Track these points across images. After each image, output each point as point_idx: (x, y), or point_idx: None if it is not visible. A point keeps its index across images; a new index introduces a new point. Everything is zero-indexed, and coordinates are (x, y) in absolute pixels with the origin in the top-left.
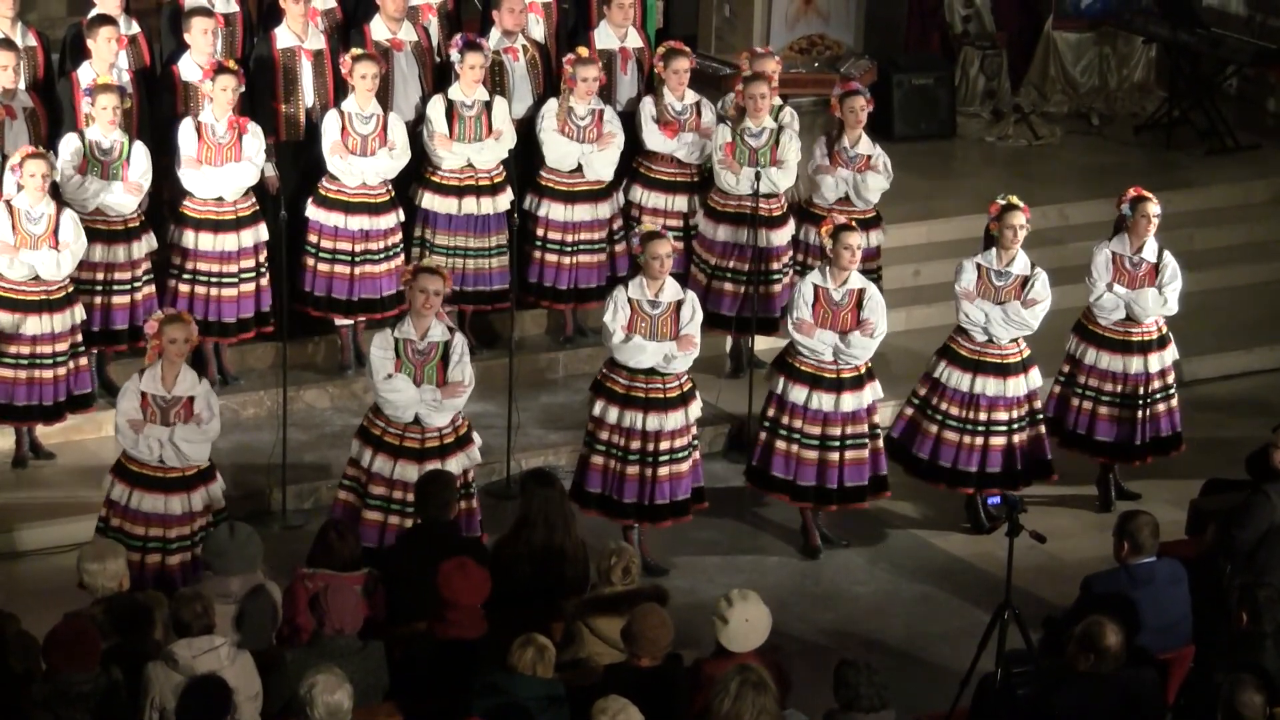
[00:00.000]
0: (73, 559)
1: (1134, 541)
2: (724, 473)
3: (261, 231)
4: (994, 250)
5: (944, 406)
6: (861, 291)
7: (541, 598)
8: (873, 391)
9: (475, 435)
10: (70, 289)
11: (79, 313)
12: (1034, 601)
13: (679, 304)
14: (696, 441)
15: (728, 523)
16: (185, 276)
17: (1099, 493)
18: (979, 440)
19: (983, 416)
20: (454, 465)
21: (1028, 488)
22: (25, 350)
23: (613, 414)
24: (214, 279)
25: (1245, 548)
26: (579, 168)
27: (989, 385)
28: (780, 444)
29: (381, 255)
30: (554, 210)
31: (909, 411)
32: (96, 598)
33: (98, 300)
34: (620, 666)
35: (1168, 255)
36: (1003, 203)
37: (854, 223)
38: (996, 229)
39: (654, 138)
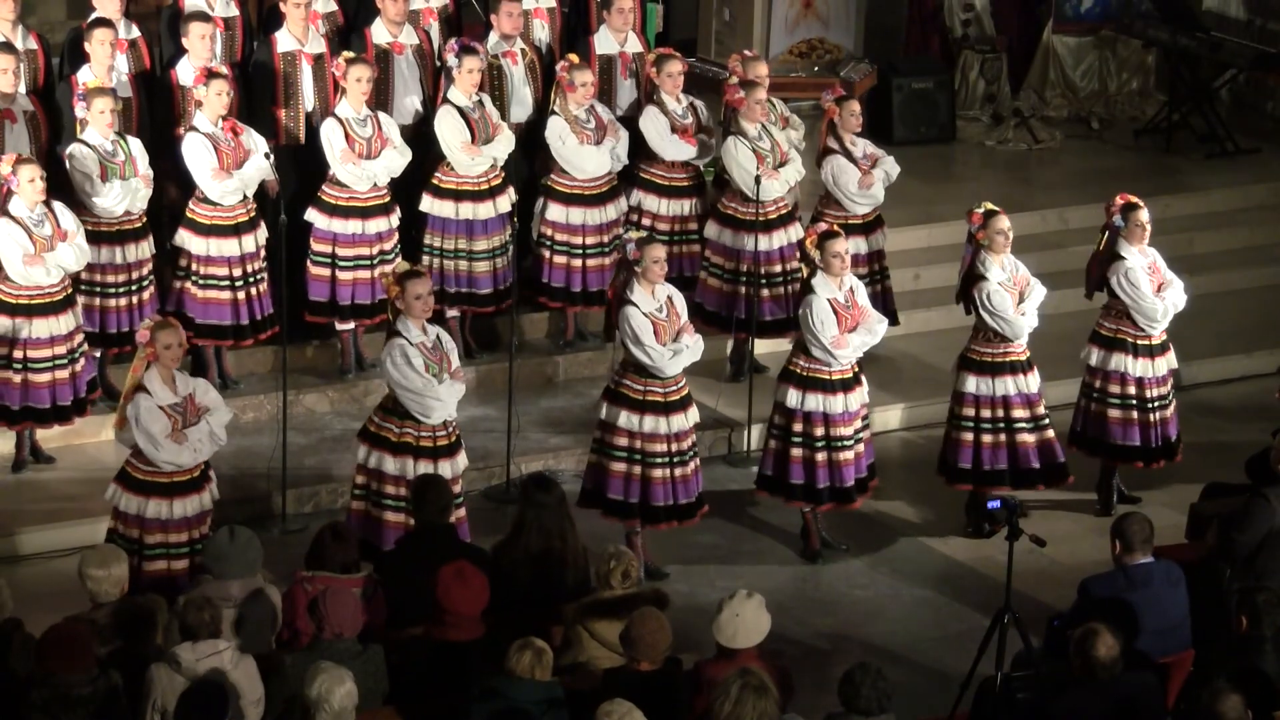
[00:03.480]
0: (73, 563)
1: (1125, 540)
2: (724, 477)
3: (263, 235)
4: (988, 260)
5: (998, 414)
6: (852, 288)
7: (541, 603)
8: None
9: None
10: (69, 291)
11: (79, 315)
12: (1034, 606)
13: (670, 299)
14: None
15: (728, 526)
16: (198, 281)
17: (1099, 497)
18: (1033, 437)
19: (1028, 413)
20: (447, 469)
21: (1035, 490)
22: (26, 354)
23: (663, 424)
24: (218, 283)
25: (1245, 551)
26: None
27: (1019, 383)
28: (824, 455)
29: (393, 254)
30: (590, 215)
31: (972, 436)
32: (98, 603)
33: (100, 302)
34: (619, 670)
35: (1153, 250)
36: (982, 211)
37: (839, 228)
38: (985, 237)
39: (677, 149)
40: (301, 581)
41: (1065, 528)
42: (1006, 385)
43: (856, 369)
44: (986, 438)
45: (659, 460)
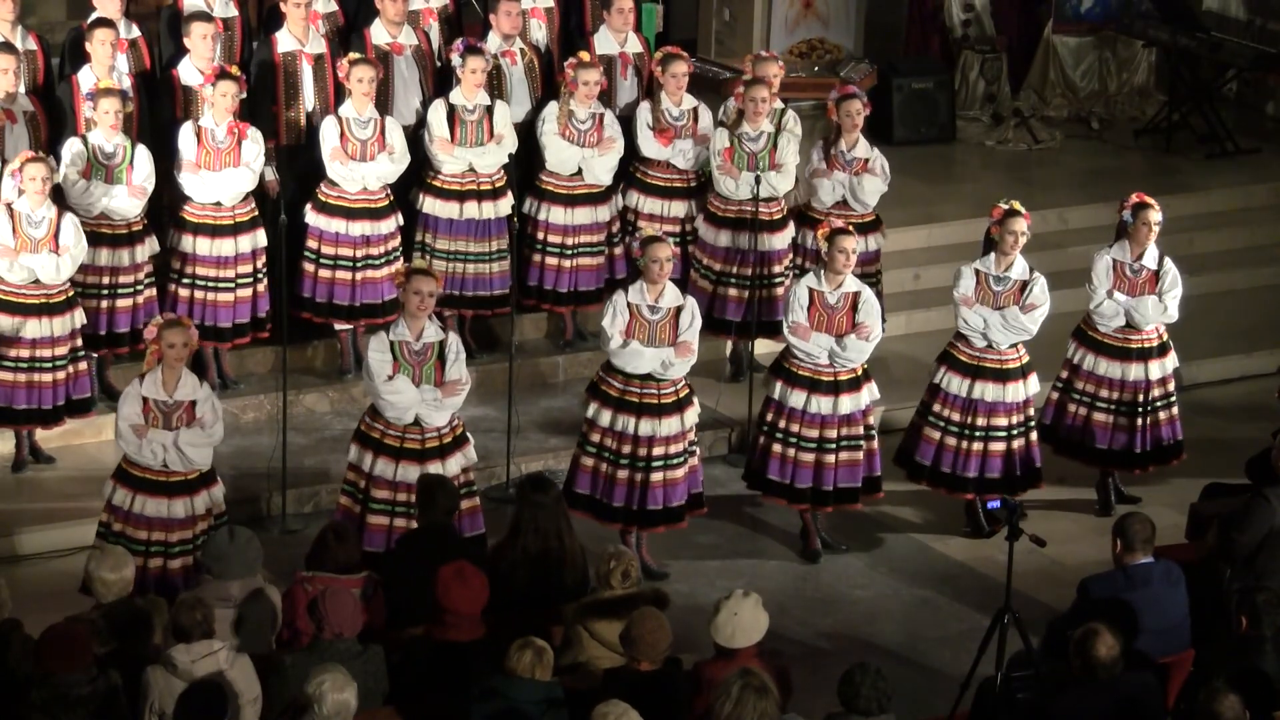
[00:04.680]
0: (73, 563)
1: (1126, 540)
2: (724, 477)
3: (260, 237)
4: (992, 255)
5: (945, 412)
6: (856, 294)
7: (539, 604)
8: (869, 393)
9: (468, 434)
10: (71, 293)
11: (79, 316)
12: (1034, 605)
13: (678, 310)
14: (694, 447)
15: (727, 526)
16: (185, 281)
17: (1098, 497)
18: (977, 445)
19: (981, 421)
20: (454, 465)
21: (1021, 494)
22: (25, 354)
23: (605, 417)
24: (212, 284)
25: (1245, 552)
26: (579, 171)
27: (988, 390)
28: (777, 447)
29: (382, 260)
30: (554, 214)
31: (916, 419)
32: (98, 603)
33: (101, 304)
34: (619, 670)
35: (1169, 262)
36: (1005, 207)
37: (850, 226)
38: (997, 233)
39: (649, 145)
40: (301, 581)
41: (1065, 528)
42: (953, 383)
43: (837, 378)
44: (929, 430)
45: (590, 449)
